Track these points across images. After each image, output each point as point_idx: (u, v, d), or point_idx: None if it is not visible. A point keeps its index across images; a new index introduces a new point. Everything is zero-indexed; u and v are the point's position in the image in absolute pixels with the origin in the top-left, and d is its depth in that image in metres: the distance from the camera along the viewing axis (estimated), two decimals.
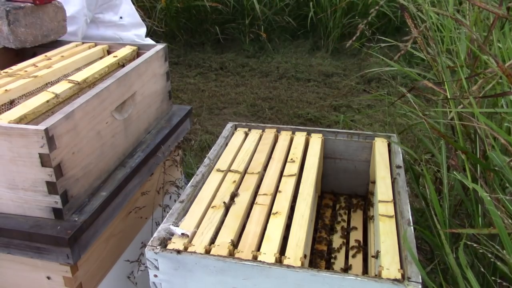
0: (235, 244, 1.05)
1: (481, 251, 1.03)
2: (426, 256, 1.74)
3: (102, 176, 1.28)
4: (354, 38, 1.45)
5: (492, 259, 1.00)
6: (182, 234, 1.06)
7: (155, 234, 1.07)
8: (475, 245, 1.03)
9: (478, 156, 1.36)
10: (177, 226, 1.10)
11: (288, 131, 1.56)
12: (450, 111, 1.44)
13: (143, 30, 2.34)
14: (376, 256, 1.04)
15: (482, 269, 1.16)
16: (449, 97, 1.45)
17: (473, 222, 1.43)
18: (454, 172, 1.39)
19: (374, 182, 1.41)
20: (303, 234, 1.07)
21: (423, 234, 1.43)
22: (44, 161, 1.04)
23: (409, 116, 2.12)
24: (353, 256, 1.30)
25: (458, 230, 1.05)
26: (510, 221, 1.02)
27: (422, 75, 2.15)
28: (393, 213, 1.15)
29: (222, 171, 1.34)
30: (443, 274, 1.47)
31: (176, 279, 1.04)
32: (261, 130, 1.57)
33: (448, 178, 1.51)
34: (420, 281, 0.93)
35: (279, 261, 0.99)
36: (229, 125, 1.60)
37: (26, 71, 1.40)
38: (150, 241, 1.04)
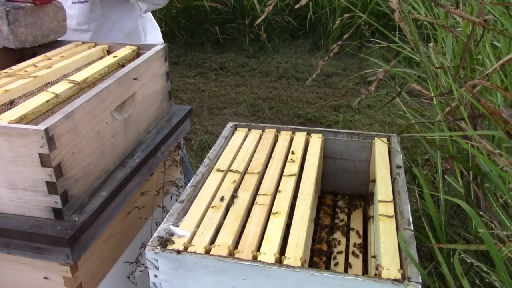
0: (235, 244, 1.05)
1: (469, 261, 1.03)
2: (426, 256, 1.74)
3: (102, 176, 1.28)
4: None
5: (484, 275, 1.00)
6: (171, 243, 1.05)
7: (155, 234, 1.07)
8: (463, 256, 1.03)
9: (470, 160, 1.36)
10: (177, 226, 1.10)
11: (288, 131, 1.56)
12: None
13: (159, 32, 2.27)
14: (376, 268, 1.04)
15: (478, 282, 1.16)
16: (434, 100, 1.44)
17: (469, 224, 1.44)
18: (446, 176, 1.39)
19: (374, 181, 1.41)
20: (303, 234, 1.07)
21: (420, 236, 1.43)
22: (44, 161, 1.04)
23: (407, 117, 2.12)
24: (353, 256, 1.30)
25: (447, 246, 1.06)
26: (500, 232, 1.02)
27: (418, 75, 2.15)
28: (393, 213, 1.15)
29: (222, 171, 1.34)
30: (441, 276, 1.47)
31: (176, 279, 1.04)
32: (261, 130, 1.57)
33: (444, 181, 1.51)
34: (420, 281, 0.93)
35: (279, 261, 0.99)
36: (229, 125, 1.60)
37: (26, 71, 1.40)
38: (150, 241, 1.04)
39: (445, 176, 1.41)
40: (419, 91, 1.42)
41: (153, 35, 2.15)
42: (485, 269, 0.99)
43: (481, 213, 1.13)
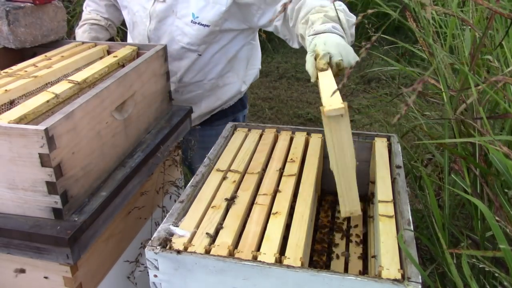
0: (235, 244, 1.05)
1: (481, 266, 1.02)
2: (426, 256, 1.74)
3: (102, 176, 1.28)
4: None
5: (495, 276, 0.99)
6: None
7: (155, 234, 1.07)
8: (474, 260, 1.02)
9: (478, 159, 1.36)
10: (177, 226, 1.10)
11: (288, 131, 1.56)
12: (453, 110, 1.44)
13: (259, 56, 2.11)
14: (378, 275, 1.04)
15: (486, 283, 1.15)
16: (445, 99, 1.44)
17: (473, 224, 1.43)
18: (453, 175, 1.39)
19: (374, 182, 1.41)
20: (303, 234, 1.07)
21: (421, 237, 1.43)
22: (44, 161, 1.04)
23: (409, 116, 2.12)
24: (353, 256, 1.30)
25: (460, 251, 1.04)
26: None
27: (422, 74, 2.15)
28: (393, 213, 1.15)
29: (222, 171, 1.34)
30: (441, 277, 1.47)
31: (176, 279, 1.04)
32: (261, 130, 1.57)
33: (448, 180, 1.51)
34: (420, 281, 0.93)
35: (279, 261, 0.99)
36: (229, 125, 1.60)
37: (26, 71, 1.40)
38: (150, 241, 1.04)
39: (452, 175, 1.40)
40: (433, 85, 1.41)
41: (255, 59, 2.04)
42: (496, 274, 0.98)
43: (495, 217, 1.12)
